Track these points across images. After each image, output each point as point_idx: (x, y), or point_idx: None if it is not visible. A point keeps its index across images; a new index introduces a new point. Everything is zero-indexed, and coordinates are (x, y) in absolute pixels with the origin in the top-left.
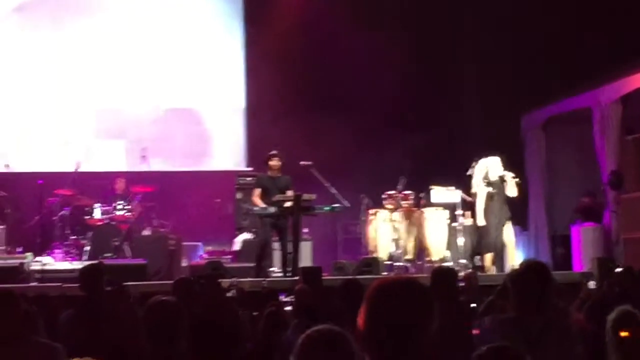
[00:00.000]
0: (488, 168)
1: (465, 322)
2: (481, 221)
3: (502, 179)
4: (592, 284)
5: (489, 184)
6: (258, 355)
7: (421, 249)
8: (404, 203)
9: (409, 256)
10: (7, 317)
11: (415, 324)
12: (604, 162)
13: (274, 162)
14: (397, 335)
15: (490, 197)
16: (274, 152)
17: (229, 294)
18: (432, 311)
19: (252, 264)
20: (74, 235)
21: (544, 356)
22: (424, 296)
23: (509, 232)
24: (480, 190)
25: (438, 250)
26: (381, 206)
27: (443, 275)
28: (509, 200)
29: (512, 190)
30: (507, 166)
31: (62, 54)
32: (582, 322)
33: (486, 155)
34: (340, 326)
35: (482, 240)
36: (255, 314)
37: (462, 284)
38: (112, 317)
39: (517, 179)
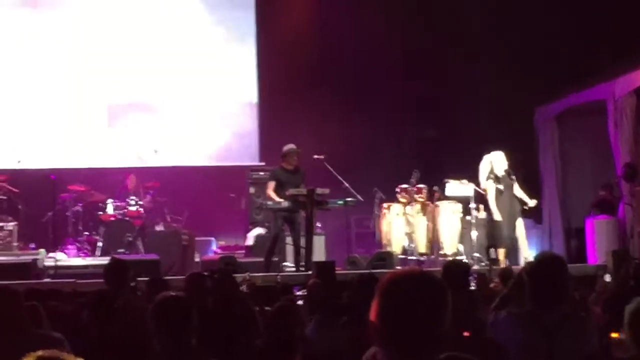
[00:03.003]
0: (493, 163)
1: (476, 312)
2: (497, 216)
3: (508, 174)
4: (608, 277)
5: (496, 179)
6: (269, 350)
7: (435, 243)
8: (417, 197)
9: (423, 250)
10: (8, 311)
11: (428, 317)
12: (618, 155)
13: (293, 159)
14: (410, 327)
15: (499, 192)
16: (292, 148)
17: (241, 289)
18: (446, 303)
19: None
20: (86, 231)
21: (561, 349)
22: (437, 288)
23: (519, 226)
24: (489, 185)
25: (451, 243)
26: (395, 200)
27: (455, 268)
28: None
29: (517, 190)
30: (521, 159)
31: (74, 48)
32: (598, 315)
33: (491, 150)
34: (357, 320)
35: (495, 235)
36: (267, 308)
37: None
38: (130, 313)
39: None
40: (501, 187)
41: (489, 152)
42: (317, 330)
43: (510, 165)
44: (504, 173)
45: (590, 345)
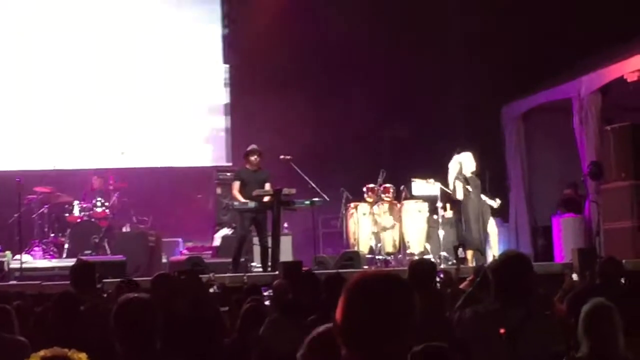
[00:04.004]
0: (462, 164)
1: (442, 311)
2: (465, 214)
3: (476, 175)
4: (575, 276)
5: (464, 179)
6: (236, 351)
7: (402, 242)
8: (384, 196)
9: (390, 249)
10: None
11: (394, 319)
12: (584, 153)
13: (253, 158)
14: (375, 329)
15: (467, 191)
16: (253, 147)
17: (211, 290)
18: (413, 306)
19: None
20: (53, 233)
21: (525, 347)
22: (404, 290)
23: (491, 225)
24: (457, 186)
25: (418, 243)
26: (362, 200)
27: (421, 267)
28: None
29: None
30: (488, 158)
31: (39, 50)
32: (563, 313)
33: (461, 150)
34: (324, 319)
35: (464, 235)
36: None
37: (441, 276)
38: (96, 314)
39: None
40: (469, 187)
41: (455, 151)
42: (271, 331)
43: (478, 165)
44: (471, 174)
45: (555, 342)
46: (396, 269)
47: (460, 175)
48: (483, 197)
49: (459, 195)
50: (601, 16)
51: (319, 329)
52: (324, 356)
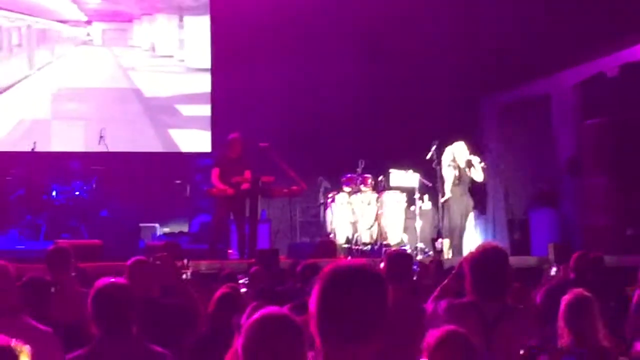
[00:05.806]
0: (454, 154)
1: (417, 302)
2: (448, 194)
3: (468, 164)
4: (553, 271)
5: (457, 168)
6: (211, 338)
7: (379, 233)
8: (362, 186)
9: (367, 240)
10: None
11: (366, 309)
12: (563, 148)
13: (235, 147)
14: (348, 320)
15: (456, 178)
16: (235, 136)
17: (184, 276)
18: (385, 297)
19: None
20: (30, 216)
21: (500, 340)
22: (377, 281)
23: (470, 219)
24: (447, 174)
25: (396, 233)
26: (340, 189)
27: (397, 258)
28: (473, 188)
29: (478, 175)
30: (467, 150)
31: (20, 31)
32: (538, 307)
33: (451, 142)
34: (301, 307)
35: (443, 226)
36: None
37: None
38: (68, 299)
39: (482, 164)
40: (458, 177)
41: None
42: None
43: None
44: (464, 164)
45: (530, 336)
46: (373, 260)
47: (454, 163)
48: (478, 177)
49: (448, 182)
50: (582, 12)
51: (254, 315)
52: (265, 345)
